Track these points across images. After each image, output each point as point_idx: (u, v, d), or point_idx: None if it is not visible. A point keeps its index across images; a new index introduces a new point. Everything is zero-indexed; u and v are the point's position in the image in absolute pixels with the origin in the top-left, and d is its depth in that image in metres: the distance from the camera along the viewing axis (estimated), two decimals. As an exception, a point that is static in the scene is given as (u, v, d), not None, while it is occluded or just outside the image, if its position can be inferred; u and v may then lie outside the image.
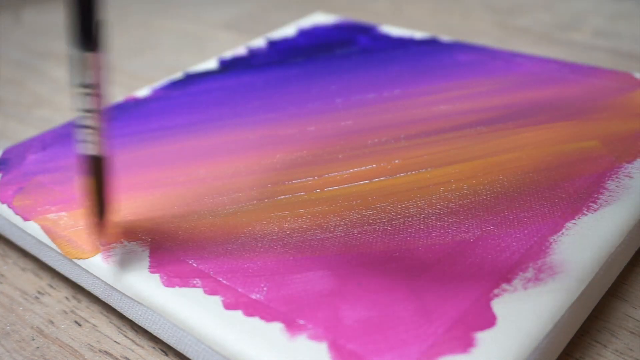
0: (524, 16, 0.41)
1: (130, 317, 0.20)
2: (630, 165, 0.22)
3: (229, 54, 0.33)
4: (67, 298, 0.22)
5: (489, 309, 0.17)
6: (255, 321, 0.18)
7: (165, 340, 0.19)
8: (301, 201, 0.22)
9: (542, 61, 0.30)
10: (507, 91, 0.28)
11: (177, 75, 0.32)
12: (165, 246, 0.21)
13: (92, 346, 0.20)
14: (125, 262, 0.20)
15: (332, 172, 0.23)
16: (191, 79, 0.31)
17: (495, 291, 0.18)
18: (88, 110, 0.18)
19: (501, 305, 0.17)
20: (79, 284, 0.22)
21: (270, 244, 0.20)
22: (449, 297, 0.18)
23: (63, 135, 0.27)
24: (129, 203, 0.23)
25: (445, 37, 0.33)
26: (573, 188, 0.21)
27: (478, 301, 0.17)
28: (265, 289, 0.19)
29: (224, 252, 0.20)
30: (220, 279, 0.19)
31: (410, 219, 0.21)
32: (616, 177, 0.22)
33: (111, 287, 0.20)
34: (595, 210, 0.20)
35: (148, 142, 0.26)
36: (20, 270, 0.24)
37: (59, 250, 0.21)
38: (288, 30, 0.36)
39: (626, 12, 0.41)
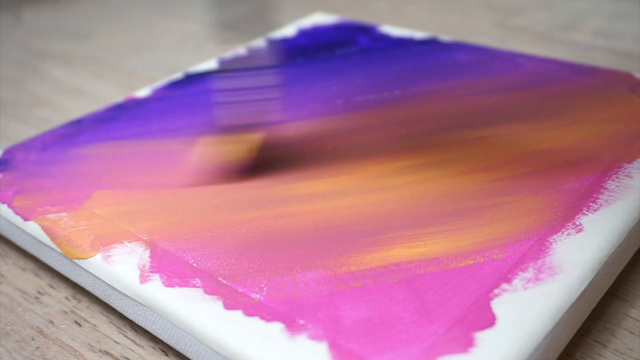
0: (524, 16, 0.41)
1: (130, 317, 0.20)
2: (630, 165, 0.22)
3: (229, 54, 0.33)
4: (67, 298, 0.22)
5: (489, 309, 0.17)
6: (255, 321, 0.18)
7: (165, 340, 0.19)
8: (302, 201, 0.22)
9: (542, 61, 0.30)
10: (507, 91, 0.28)
11: (177, 75, 0.32)
12: (165, 246, 0.21)
13: (92, 346, 0.20)
14: (125, 262, 0.20)
15: (332, 172, 0.23)
16: (191, 79, 0.31)
17: (495, 291, 0.18)
18: None
19: (501, 305, 0.17)
20: (79, 284, 0.22)
21: (271, 244, 0.20)
22: (449, 297, 0.18)
23: (63, 135, 0.27)
24: (129, 203, 0.23)
25: (445, 37, 0.33)
26: (573, 188, 0.21)
27: (478, 301, 0.17)
28: (265, 289, 0.19)
29: (224, 252, 0.20)
30: (220, 279, 0.19)
31: (409, 219, 0.21)
32: (616, 177, 0.22)
33: (111, 287, 0.20)
34: (595, 210, 0.20)
35: (148, 142, 0.26)
36: (20, 270, 0.24)
37: (59, 250, 0.21)
38: (288, 30, 0.36)
39: (626, 12, 0.41)
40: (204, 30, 0.43)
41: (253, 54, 0.23)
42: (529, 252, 0.19)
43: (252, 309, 0.18)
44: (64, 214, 0.22)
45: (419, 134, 0.25)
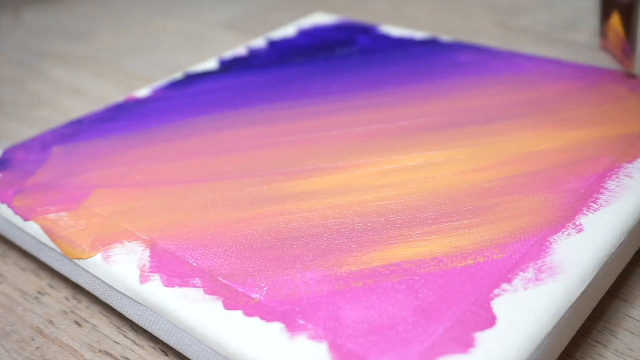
0: (524, 16, 0.41)
1: (130, 317, 0.20)
2: (630, 165, 0.22)
3: (229, 54, 0.33)
4: (67, 298, 0.22)
5: (489, 309, 0.17)
6: (255, 321, 0.18)
7: (165, 340, 0.19)
8: (302, 199, 0.22)
9: (542, 61, 0.30)
10: (507, 91, 0.28)
11: (177, 75, 0.32)
12: (164, 245, 0.21)
13: (92, 346, 0.20)
14: (125, 262, 0.20)
15: (332, 171, 0.23)
16: (191, 79, 0.31)
17: (495, 291, 0.18)
18: None
19: (501, 305, 0.17)
20: (79, 284, 0.22)
21: (271, 243, 0.20)
22: (449, 297, 0.18)
23: (63, 135, 0.27)
24: (129, 201, 0.23)
25: (445, 37, 0.33)
26: (573, 188, 0.21)
27: (478, 301, 0.17)
28: (265, 289, 0.19)
29: (224, 250, 0.20)
30: (220, 279, 0.19)
31: (409, 218, 0.21)
32: (616, 177, 0.22)
33: (111, 287, 0.20)
34: (595, 210, 0.20)
35: (148, 142, 0.26)
36: (20, 270, 0.24)
37: (59, 250, 0.21)
38: (288, 30, 0.36)
39: (626, 12, 0.41)
40: (204, 30, 0.43)
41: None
42: (529, 252, 0.19)
43: (252, 309, 0.18)
44: (63, 213, 0.22)
45: (419, 134, 0.25)
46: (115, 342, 0.20)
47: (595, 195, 0.21)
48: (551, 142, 0.24)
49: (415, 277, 0.18)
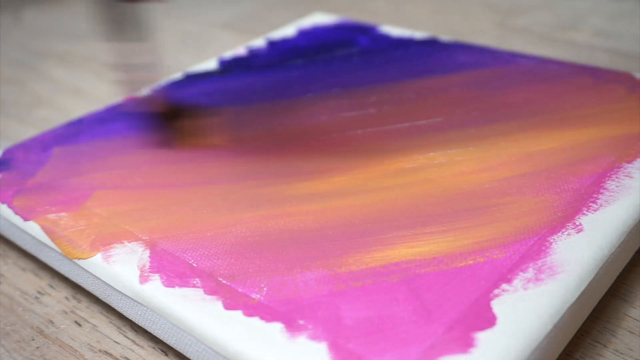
0: (524, 16, 0.41)
1: (130, 317, 0.20)
2: (630, 165, 0.22)
3: (229, 54, 0.33)
4: (67, 298, 0.22)
5: (489, 309, 0.17)
6: (255, 321, 0.18)
7: (165, 340, 0.19)
8: (302, 201, 0.22)
9: (542, 61, 0.30)
10: (506, 91, 0.28)
11: (177, 75, 0.32)
12: (165, 246, 0.21)
13: (92, 346, 0.20)
14: (125, 262, 0.20)
15: (333, 172, 0.23)
16: (191, 79, 0.31)
17: (495, 291, 0.18)
18: None
19: (501, 305, 0.17)
20: (79, 284, 0.22)
21: (271, 244, 0.20)
22: (449, 297, 0.18)
23: (63, 135, 0.27)
24: (129, 203, 0.23)
25: (445, 37, 0.33)
26: (573, 188, 0.21)
27: (478, 301, 0.17)
28: (265, 289, 0.19)
29: (224, 251, 0.20)
30: (220, 279, 0.19)
31: (409, 219, 0.21)
32: (616, 177, 0.22)
33: (111, 287, 0.20)
34: (595, 210, 0.20)
35: (148, 142, 0.26)
36: (20, 270, 0.24)
37: (59, 250, 0.21)
38: (288, 30, 0.36)
39: (626, 12, 0.41)
40: (204, 30, 0.43)
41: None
42: (529, 252, 0.19)
43: (252, 309, 0.18)
44: (63, 213, 0.22)
45: (419, 135, 0.25)
46: (115, 342, 0.20)
47: (595, 195, 0.21)
48: (551, 142, 0.24)
49: (415, 278, 0.18)
